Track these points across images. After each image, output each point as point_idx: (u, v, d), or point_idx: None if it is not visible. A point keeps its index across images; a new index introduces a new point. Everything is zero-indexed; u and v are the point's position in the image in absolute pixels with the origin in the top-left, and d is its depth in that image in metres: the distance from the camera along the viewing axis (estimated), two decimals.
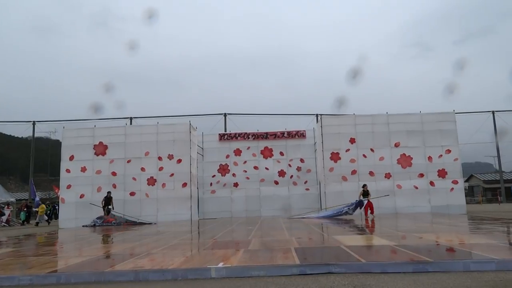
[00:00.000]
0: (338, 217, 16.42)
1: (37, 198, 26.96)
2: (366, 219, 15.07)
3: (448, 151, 19.45)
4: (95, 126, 22.21)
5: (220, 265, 5.09)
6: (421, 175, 19.35)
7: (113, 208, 18.28)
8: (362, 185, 17.04)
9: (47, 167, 40.94)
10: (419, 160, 19.47)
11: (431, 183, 19.23)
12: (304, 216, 17.76)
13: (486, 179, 50.45)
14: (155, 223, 17.86)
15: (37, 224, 23.38)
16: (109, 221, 17.55)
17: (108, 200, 18.25)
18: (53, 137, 38.08)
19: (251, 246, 7.34)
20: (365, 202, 16.36)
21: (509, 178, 45.46)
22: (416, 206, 18.75)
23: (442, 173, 19.28)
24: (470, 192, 48.00)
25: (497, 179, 41.73)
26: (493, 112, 34.17)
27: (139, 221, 18.07)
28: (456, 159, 19.46)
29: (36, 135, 33.89)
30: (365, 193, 16.71)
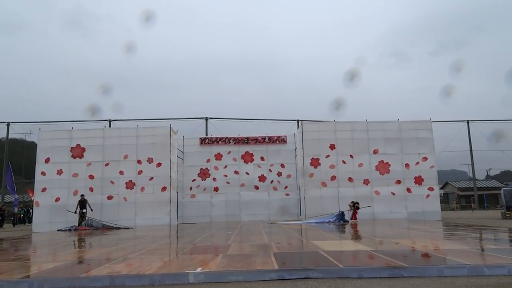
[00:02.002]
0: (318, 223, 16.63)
1: (16, 197, 26.07)
2: (355, 224, 15.60)
3: (425, 158, 19.91)
4: (72, 128, 21.70)
5: (199, 270, 5.06)
6: (398, 182, 19.73)
7: (91, 210, 17.89)
8: (355, 202, 17.66)
9: (21, 170, 39.72)
10: (397, 167, 19.85)
11: (408, 190, 19.63)
12: (285, 223, 17.80)
13: (460, 187, 51.87)
14: (132, 228, 17.56)
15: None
16: (81, 229, 16.97)
17: (82, 204, 17.84)
18: (28, 138, 37.12)
19: (230, 251, 7.32)
20: (351, 212, 17.22)
21: (482, 186, 46.95)
22: (393, 212, 19.10)
23: (418, 180, 19.71)
24: (445, 199, 49.28)
25: (471, 186, 42.96)
26: (467, 122, 35.30)
27: (116, 226, 17.71)
28: (432, 167, 19.93)
29: (10, 136, 32.95)
30: (356, 207, 17.54)
